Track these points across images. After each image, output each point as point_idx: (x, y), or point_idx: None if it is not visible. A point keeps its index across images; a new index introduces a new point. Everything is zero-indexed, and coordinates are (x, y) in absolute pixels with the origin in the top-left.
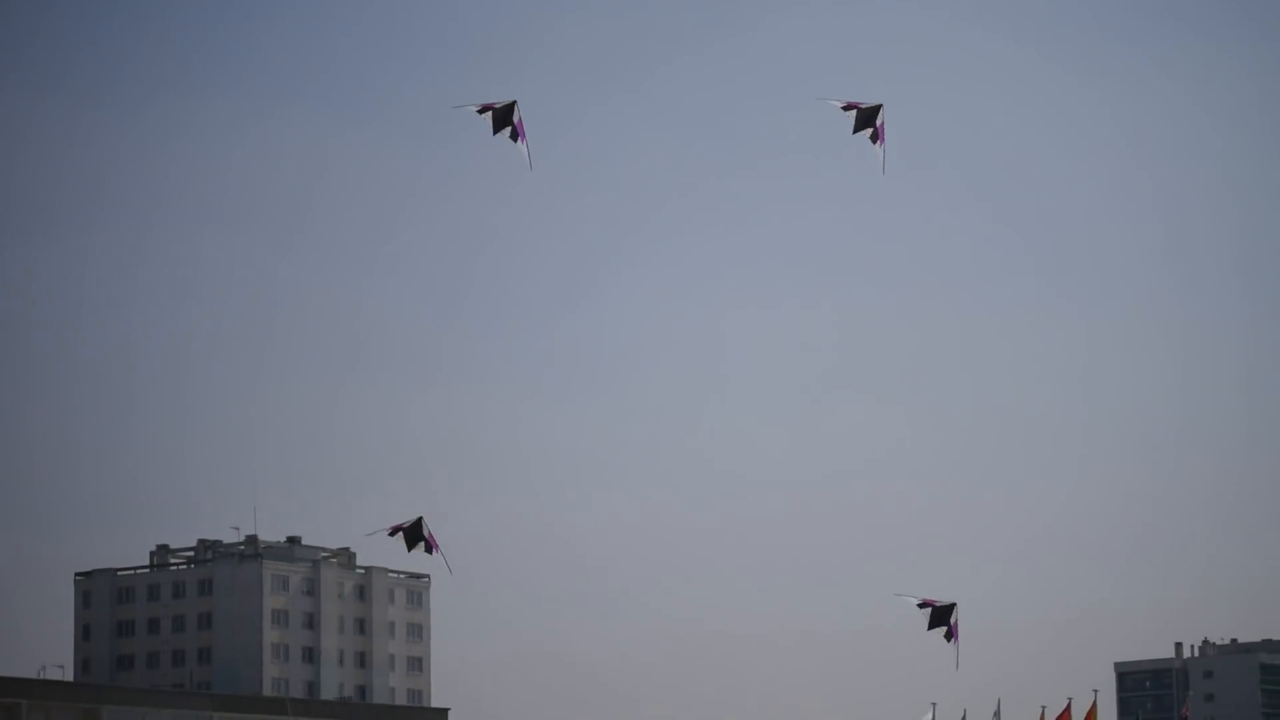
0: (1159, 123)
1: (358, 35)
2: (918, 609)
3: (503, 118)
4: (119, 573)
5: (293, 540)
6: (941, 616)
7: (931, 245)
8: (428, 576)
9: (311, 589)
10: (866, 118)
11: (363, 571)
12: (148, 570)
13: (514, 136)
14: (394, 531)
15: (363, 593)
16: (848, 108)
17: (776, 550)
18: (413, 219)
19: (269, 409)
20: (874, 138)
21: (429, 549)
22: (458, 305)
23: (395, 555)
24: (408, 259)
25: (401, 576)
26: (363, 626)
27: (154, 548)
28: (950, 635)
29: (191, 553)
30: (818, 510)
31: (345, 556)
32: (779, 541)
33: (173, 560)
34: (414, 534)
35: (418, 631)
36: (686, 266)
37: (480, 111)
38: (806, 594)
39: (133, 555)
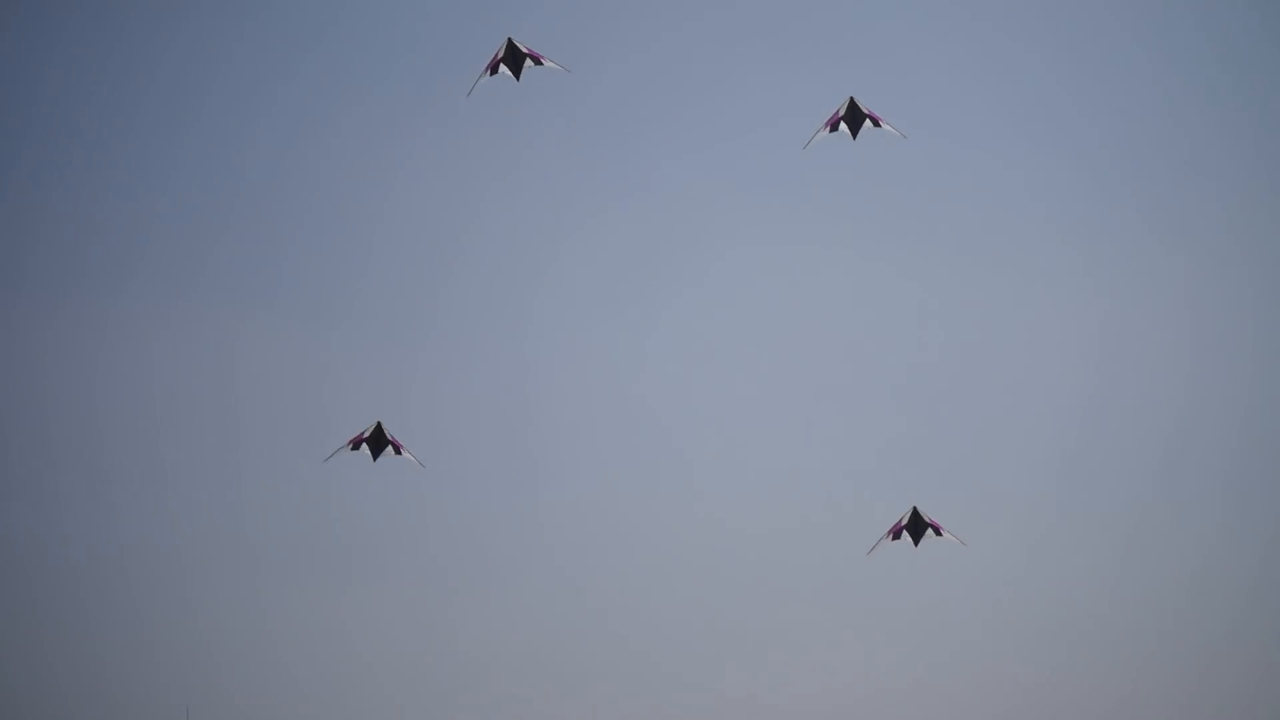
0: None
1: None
2: (893, 541)
3: (514, 60)
4: None
5: None
6: (916, 526)
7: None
8: None
9: None
10: (853, 117)
11: None
12: None
13: (537, 62)
14: (356, 445)
15: None
16: (833, 127)
17: None
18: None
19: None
20: (875, 123)
21: (397, 450)
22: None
23: None
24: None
25: None
26: None
27: None
28: (937, 531)
29: None
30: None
31: None
32: None
33: None
34: (377, 441)
35: None
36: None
37: (493, 73)
38: None
39: None
